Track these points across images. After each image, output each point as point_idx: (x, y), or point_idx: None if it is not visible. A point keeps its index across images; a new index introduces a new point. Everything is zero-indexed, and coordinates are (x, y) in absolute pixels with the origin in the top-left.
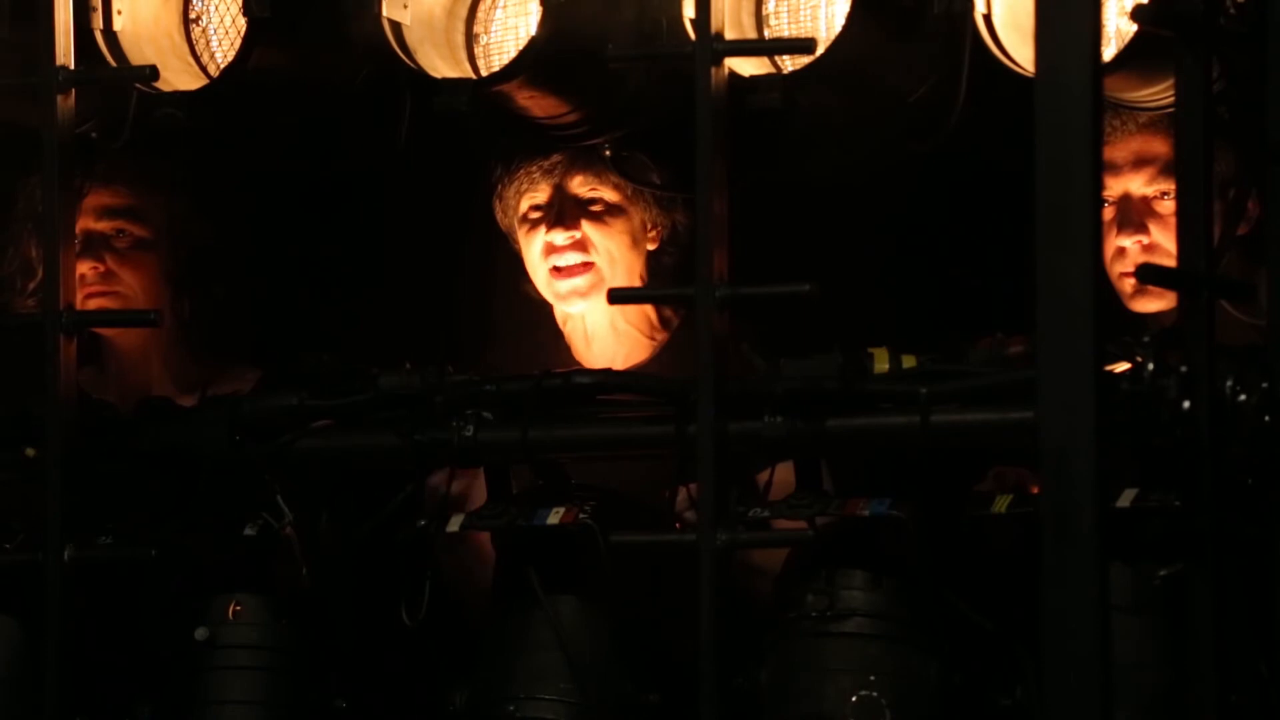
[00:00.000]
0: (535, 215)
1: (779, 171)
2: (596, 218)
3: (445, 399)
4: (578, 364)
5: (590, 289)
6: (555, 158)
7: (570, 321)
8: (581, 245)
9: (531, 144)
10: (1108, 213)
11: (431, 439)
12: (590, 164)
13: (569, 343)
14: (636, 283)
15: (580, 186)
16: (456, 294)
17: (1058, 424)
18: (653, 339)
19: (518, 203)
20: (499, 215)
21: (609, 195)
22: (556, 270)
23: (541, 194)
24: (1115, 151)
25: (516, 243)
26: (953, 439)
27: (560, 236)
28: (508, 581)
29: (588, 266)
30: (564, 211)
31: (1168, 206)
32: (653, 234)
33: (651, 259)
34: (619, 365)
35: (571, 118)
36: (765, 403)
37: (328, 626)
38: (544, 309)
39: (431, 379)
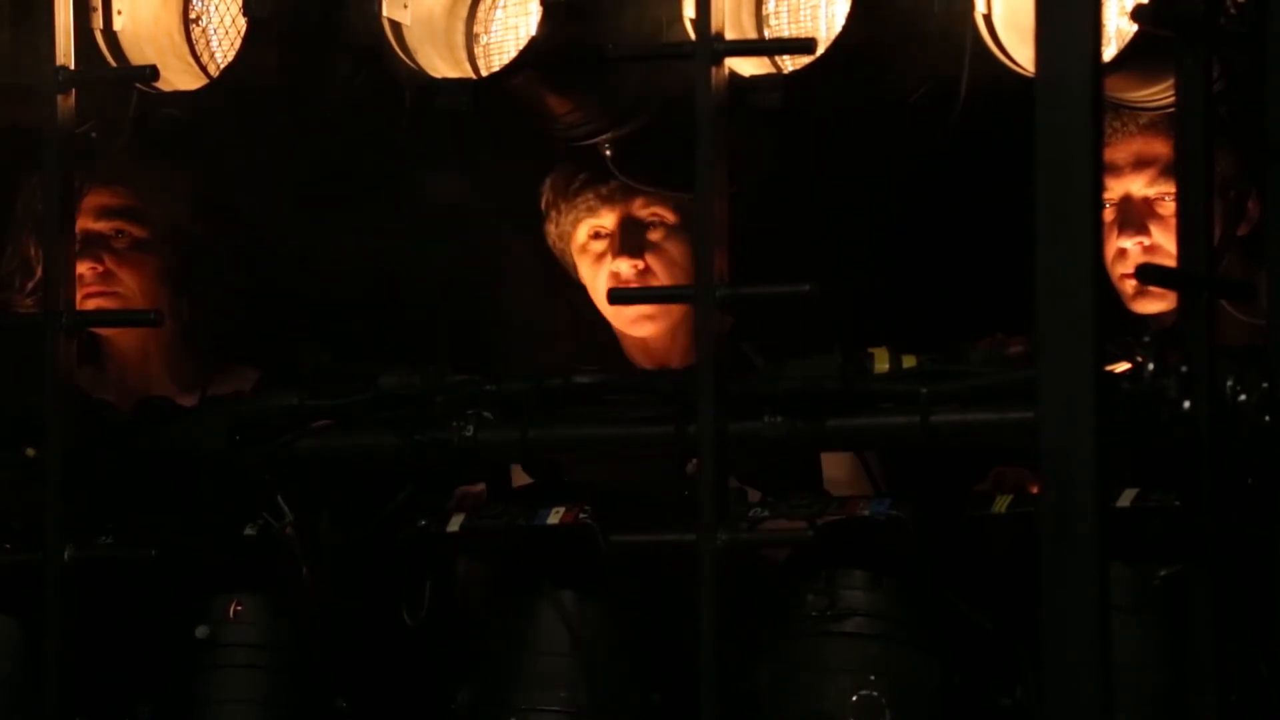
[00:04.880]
0: (598, 246)
1: (779, 171)
2: (658, 246)
3: (445, 399)
4: (630, 364)
5: (658, 313)
6: (615, 183)
7: (629, 338)
8: (646, 275)
9: (576, 167)
10: (1109, 214)
11: (431, 439)
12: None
13: (627, 351)
14: None
15: (642, 209)
16: (479, 297)
17: (1058, 424)
18: None
19: (575, 230)
20: (552, 239)
21: (669, 216)
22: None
23: (606, 220)
24: (1116, 152)
25: (569, 263)
26: (953, 439)
27: (626, 267)
28: (508, 582)
29: None
30: (627, 241)
31: (1169, 208)
32: None
33: None
34: (677, 364)
35: (572, 118)
36: (765, 403)
37: (328, 626)
38: (593, 317)
39: (431, 379)
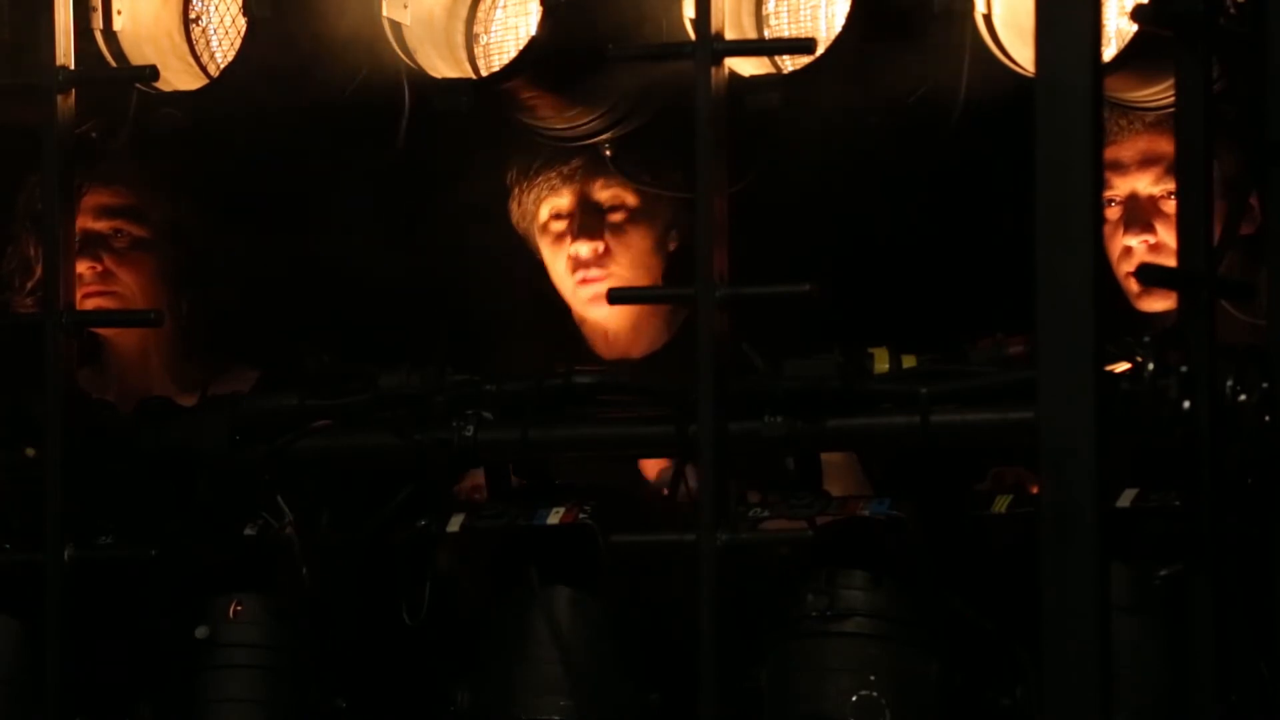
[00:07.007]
0: (558, 226)
1: (778, 172)
2: (618, 228)
3: (445, 399)
4: (596, 359)
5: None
6: (575, 163)
7: (588, 322)
8: (605, 257)
9: (539, 146)
10: (1115, 212)
11: (431, 439)
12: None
13: (588, 338)
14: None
15: (602, 191)
16: (465, 292)
17: (1058, 424)
18: (669, 327)
19: (537, 209)
20: (516, 219)
21: (630, 199)
22: (584, 281)
23: (564, 200)
24: (1122, 150)
25: (534, 246)
26: (953, 439)
27: (585, 249)
28: (507, 583)
29: (612, 275)
30: (587, 222)
31: (1175, 205)
32: (674, 234)
33: (673, 258)
34: (638, 354)
35: (572, 118)
36: (765, 403)
37: (328, 626)
38: (561, 306)
39: (431, 379)
